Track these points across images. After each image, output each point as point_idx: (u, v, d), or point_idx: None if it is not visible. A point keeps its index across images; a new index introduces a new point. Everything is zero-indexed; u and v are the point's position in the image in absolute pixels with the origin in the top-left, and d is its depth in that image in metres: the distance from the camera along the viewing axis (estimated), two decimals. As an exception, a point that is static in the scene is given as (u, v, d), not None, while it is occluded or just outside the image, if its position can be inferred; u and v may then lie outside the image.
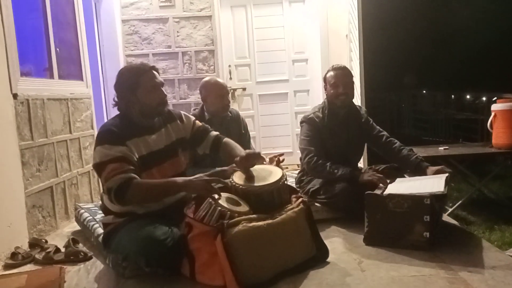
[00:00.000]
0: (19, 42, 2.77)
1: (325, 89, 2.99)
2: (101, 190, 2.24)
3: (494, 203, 4.33)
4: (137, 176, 1.99)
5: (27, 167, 2.73)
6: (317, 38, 5.02)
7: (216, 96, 3.07)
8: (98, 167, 2.02)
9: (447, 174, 2.55)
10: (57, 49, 3.38)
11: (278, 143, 5.10)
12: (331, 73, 2.94)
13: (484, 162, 4.74)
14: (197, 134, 2.38)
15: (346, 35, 4.70)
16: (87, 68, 3.87)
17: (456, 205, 4.04)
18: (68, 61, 3.62)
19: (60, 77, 3.39)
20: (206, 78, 3.22)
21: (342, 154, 2.89)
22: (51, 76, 3.30)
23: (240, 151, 2.32)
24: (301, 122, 3.00)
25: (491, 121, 4.00)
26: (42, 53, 3.29)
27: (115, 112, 2.22)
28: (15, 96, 2.65)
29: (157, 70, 2.21)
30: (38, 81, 3.09)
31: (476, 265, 2.03)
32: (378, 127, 3.07)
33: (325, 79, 2.98)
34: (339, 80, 2.89)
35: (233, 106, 5.00)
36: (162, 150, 2.19)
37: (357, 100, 4.25)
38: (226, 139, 2.42)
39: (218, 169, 2.93)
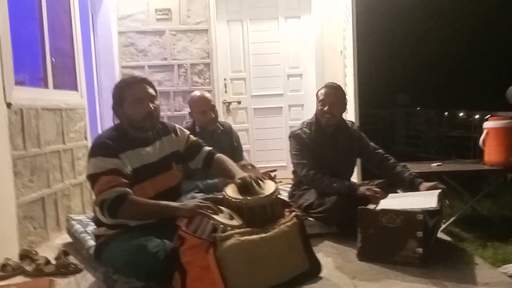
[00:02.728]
0: (15, 50, 2.76)
1: (316, 105, 3.02)
2: (94, 202, 2.22)
3: (487, 220, 4.34)
4: (131, 192, 1.98)
5: (19, 177, 2.71)
6: (312, 54, 5.07)
7: (198, 112, 3.13)
8: (91, 179, 2.01)
9: (439, 190, 2.56)
10: (53, 59, 3.37)
11: (272, 157, 5.10)
12: (322, 90, 2.98)
13: (477, 179, 4.76)
14: (190, 148, 2.37)
15: (341, 51, 4.75)
16: (82, 78, 3.87)
17: (449, 221, 4.04)
18: (63, 71, 3.62)
19: (55, 87, 3.38)
20: (193, 93, 3.28)
21: (331, 170, 2.88)
22: (46, 86, 3.29)
23: (234, 167, 2.31)
24: (289, 137, 3.02)
25: (484, 139, 4.03)
26: (37, 63, 3.28)
27: (109, 123, 2.22)
28: (8, 105, 2.64)
29: (148, 82, 2.20)
30: (33, 91, 3.08)
31: (469, 282, 2.03)
32: (372, 143, 3.08)
33: (317, 95, 3.02)
34: (327, 98, 2.91)
35: (228, 119, 5.01)
36: (156, 163, 2.18)
37: (351, 116, 4.26)
38: (218, 155, 2.41)
39: (209, 181, 2.94)
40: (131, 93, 2.13)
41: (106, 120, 4.47)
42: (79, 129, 3.64)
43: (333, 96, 2.92)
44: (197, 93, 3.24)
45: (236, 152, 3.24)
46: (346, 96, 3.10)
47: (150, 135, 2.22)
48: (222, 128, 3.28)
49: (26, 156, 2.80)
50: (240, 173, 2.22)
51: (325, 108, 2.89)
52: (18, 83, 2.86)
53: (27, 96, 2.91)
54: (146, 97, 2.14)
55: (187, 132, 2.43)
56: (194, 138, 2.43)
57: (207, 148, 2.41)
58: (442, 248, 2.52)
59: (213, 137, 3.11)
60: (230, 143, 3.28)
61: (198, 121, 3.16)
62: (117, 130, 2.16)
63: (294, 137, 2.97)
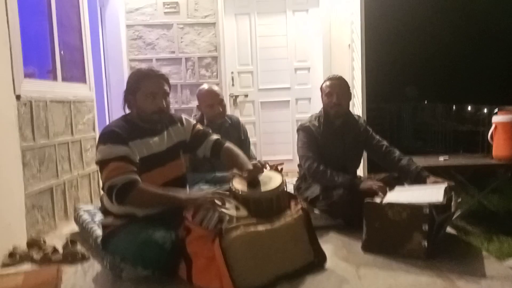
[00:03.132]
0: (24, 44, 2.79)
1: (322, 99, 3.02)
2: (101, 192, 2.25)
3: (493, 214, 4.32)
4: (140, 180, 2.01)
5: (28, 167, 2.75)
6: (320, 47, 5.06)
7: (206, 105, 3.14)
8: (101, 164, 2.03)
9: (446, 184, 2.55)
10: (62, 52, 3.40)
11: (278, 150, 5.12)
12: (327, 82, 2.98)
13: (484, 174, 4.73)
14: (196, 136, 2.39)
15: (349, 45, 4.72)
16: (91, 71, 3.90)
17: (456, 215, 4.02)
18: (72, 64, 3.65)
19: (64, 79, 3.41)
20: (201, 86, 3.29)
21: (339, 163, 2.90)
22: (55, 78, 3.32)
23: (243, 159, 2.33)
24: (297, 130, 3.03)
25: (492, 133, 4.01)
26: (46, 56, 3.31)
27: (117, 115, 2.24)
28: (18, 97, 2.67)
29: (166, 79, 2.22)
30: (42, 83, 3.11)
31: (473, 275, 2.03)
32: (378, 136, 3.08)
33: (321, 88, 3.02)
34: (334, 90, 2.92)
35: (235, 112, 5.03)
36: (163, 152, 2.21)
37: (358, 109, 4.26)
38: (228, 144, 2.42)
39: (218, 174, 2.95)
40: (147, 86, 2.14)
41: (114, 112, 4.51)
42: (87, 121, 3.67)
43: (339, 86, 2.94)
44: (205, 86, 3.25)
45: (243, 146, 3.24)
46: (350, 87, 3.10)
47: (158, 125, 2.24)
48: (230, 121, 3.29)
49: (35, 147, 2.83)
50: (248, 165, 2.24)
51: (334, 99, 2.90)
52: (28, 75, 2.88)
53: (36, 88, 2.94)
54: (160, 93, 2.17)
55: (194, 121, 2.46)
56: (201, 127, 2.44)
57: (214, 137, 2.43)
58: (447, 241, 2.51)
59: (221, 131, 3.12)
60: (237, 137, 3.28)
61: (206, 114, 3.17)
62: (125, 121, 2.18)
63: (302, 129, 2.98)
